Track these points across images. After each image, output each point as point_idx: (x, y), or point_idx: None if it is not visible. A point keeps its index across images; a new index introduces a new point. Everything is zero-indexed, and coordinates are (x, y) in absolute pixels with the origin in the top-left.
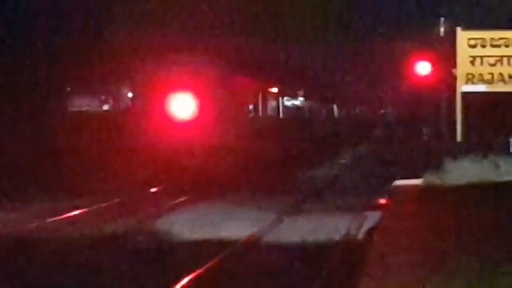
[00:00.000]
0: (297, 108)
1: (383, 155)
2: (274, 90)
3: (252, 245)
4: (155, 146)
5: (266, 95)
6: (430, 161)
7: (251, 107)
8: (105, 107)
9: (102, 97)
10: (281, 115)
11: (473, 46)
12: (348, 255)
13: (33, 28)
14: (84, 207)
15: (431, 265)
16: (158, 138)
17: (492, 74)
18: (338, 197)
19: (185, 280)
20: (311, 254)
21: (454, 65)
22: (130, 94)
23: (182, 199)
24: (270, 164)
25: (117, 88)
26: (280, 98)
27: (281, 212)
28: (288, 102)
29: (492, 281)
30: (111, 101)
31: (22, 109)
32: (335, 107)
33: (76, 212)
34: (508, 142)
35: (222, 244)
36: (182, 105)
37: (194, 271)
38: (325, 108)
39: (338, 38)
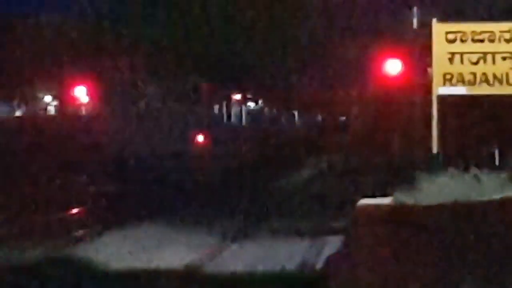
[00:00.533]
0: (258, 114)
1: (347, 168)
2: (237, 97)
3: (190, 276)
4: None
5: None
6: (402, 176)
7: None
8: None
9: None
10: (244, 122)
11: (452, 41)
12: None
13: None
14: None
15: None
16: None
17: (474, 74)
18: (295, 218)
19: None
20: None
21: (430, 64)
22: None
23: (111, 218)
24: (222, 177)
25: (32, 92)
26: (243, 106)
27: (227, 236)
28: (250, 108)
29: None
30: (24, 106)
31: None
32: (296, 113)
33: None
34: (494, 154)
35: (154, 275)
36: None
37: None
38: (286, 115)
39: (297, 35)
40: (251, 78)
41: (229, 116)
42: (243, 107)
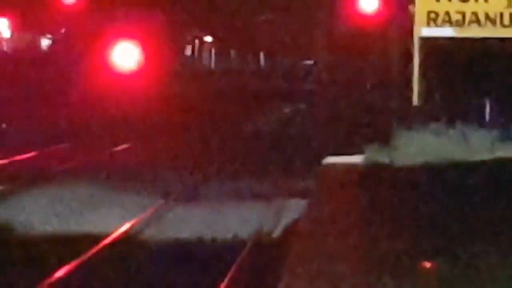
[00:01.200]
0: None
1: (312, 120)
2: (208, 39)
3: (125, 243)
4: None
5: (200, 46)
6: (376, 130)
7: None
8: None
9: None
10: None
11: None
12: (257, 261)
13: None
14: None
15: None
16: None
17: (463, 13)
18: (251, 177)
19: None
20: (205, 260)
21: (412, 0)
22: None
23: (33, 174)
24: (176, 126)
25: None
26: (213, 49)
27: (171, 197)
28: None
29: None
30: None
31: None
32: (261, 56)
33: None
34: (483, 107)
35: (84, 242)
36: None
37: (41, 281)
38: (252, 57)
39: None
40: (217, 19)
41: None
42: (212, 50)
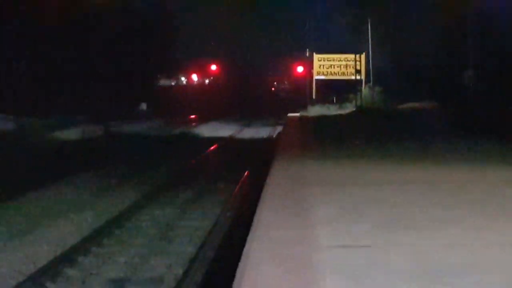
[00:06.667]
0: None
1: (285, 105)
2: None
3: (232, 138)
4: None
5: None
6: (302, 106)
7: None
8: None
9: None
10: None
11: (321, 60)
12: (270, 142)
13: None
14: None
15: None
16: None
17: (328, 71)
18: (263, 121)
19: (204, 152)
20: (255, 141)
21: (313, 68)
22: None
23: (205, 119)
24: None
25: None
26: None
27: (242, 126)
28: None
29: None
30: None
31: None
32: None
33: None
34: (332, 99)
35: (220, 137)
36: None
37: (208, 148)
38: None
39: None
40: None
41: None
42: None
